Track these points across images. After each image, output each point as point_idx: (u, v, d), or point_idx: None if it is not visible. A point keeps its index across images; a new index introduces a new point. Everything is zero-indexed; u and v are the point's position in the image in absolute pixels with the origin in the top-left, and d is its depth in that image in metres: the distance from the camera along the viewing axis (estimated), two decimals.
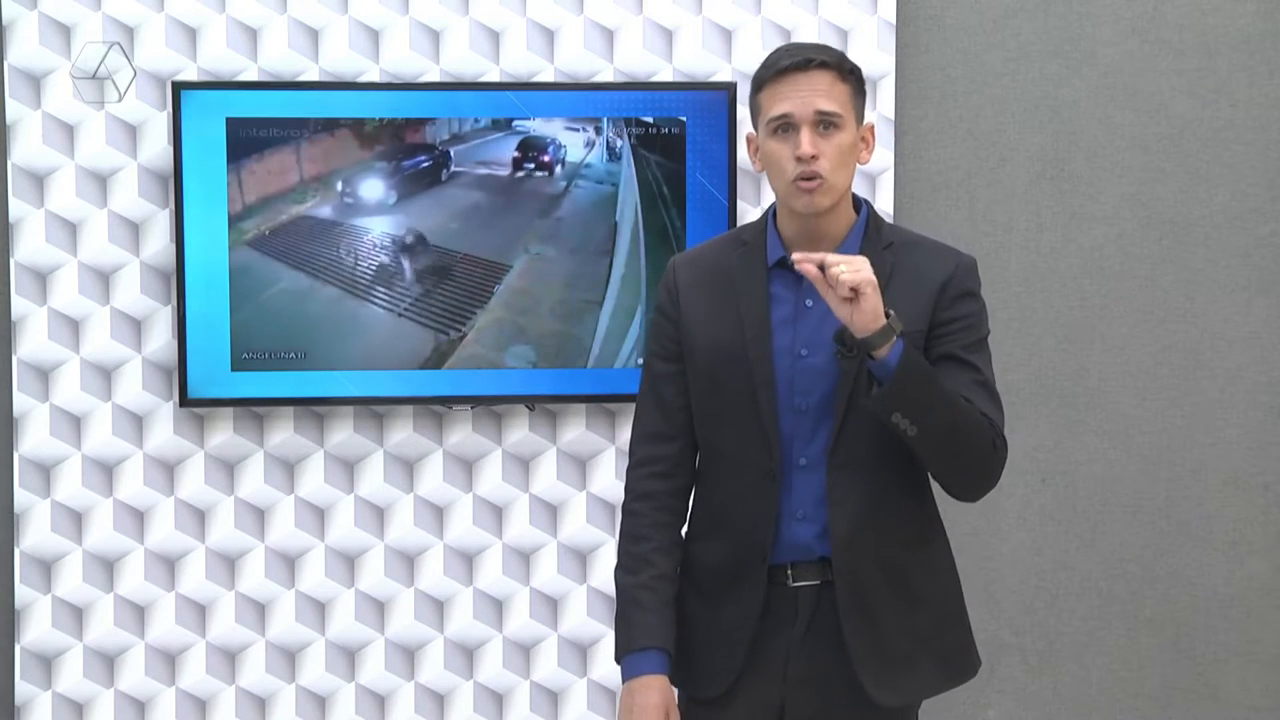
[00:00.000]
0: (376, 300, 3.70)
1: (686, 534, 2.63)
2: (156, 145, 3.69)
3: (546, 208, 3.71)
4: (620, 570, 2.58)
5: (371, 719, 3.81)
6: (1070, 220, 3.89)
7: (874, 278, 2.34)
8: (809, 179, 2.43)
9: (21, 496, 3.71)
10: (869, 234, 2.53)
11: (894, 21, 3.80)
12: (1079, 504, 3.94)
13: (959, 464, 2.49)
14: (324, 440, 3.77)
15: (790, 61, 2.44)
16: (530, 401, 3.75)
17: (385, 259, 3.69)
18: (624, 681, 2.51)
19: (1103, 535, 3.94)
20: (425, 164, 3.69)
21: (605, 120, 3.69)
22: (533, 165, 3.67)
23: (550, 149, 3.67)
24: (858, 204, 2.56)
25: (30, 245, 3.68)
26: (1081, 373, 3.91)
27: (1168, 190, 3.90)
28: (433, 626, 3.81)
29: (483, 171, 3.70)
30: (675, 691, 2.55)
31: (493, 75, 3.75)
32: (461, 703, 3.82)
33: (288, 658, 3.80)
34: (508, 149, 3.68)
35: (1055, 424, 3.91)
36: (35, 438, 3.71)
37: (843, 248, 2.50)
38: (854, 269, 2.32)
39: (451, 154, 3.68)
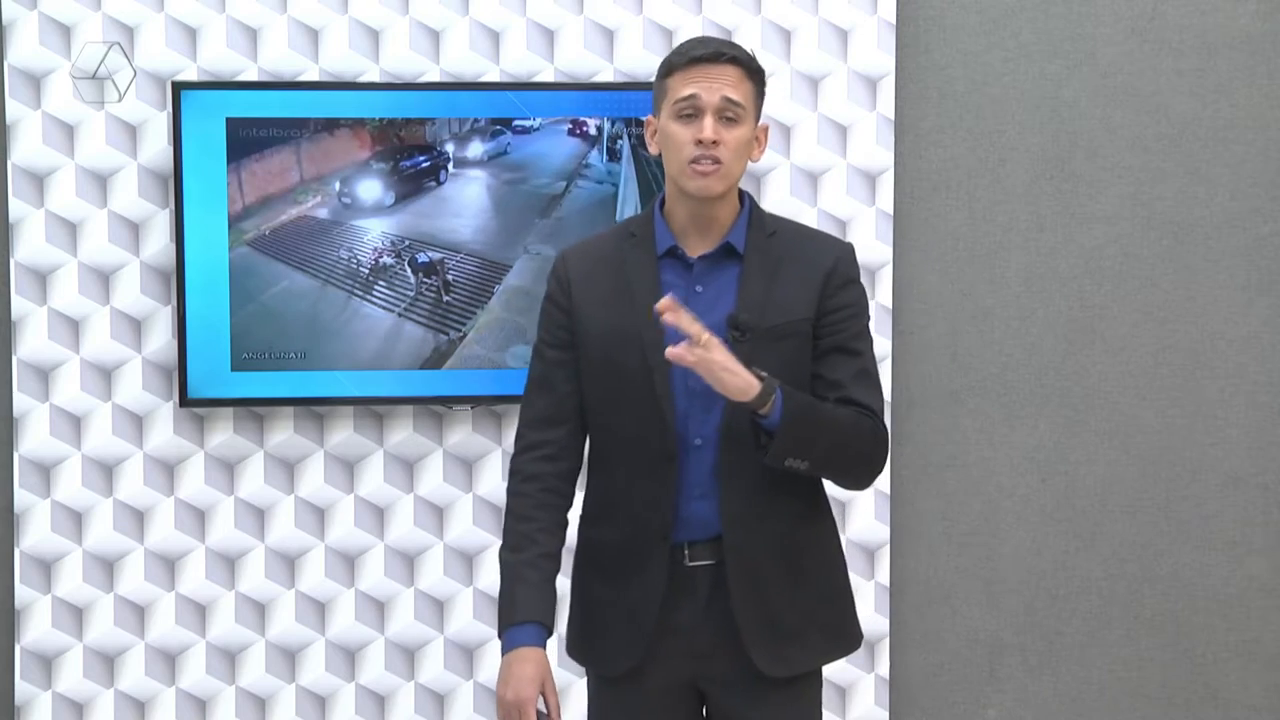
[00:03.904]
0: (376, 300, 3.70)
1: (582, 518, 2.72)
2: (156, 145, 3.69)
3: (546, 208, 3.71)
4: (505, 549, 2.65)
5: (371, 719, 3.81)
6: (1070, 220, 3.89)
7: (719, 358, 2.42)
8: (707, 162, 2.52)
9: (21, 496, 3.71)
10: (753, 223, 2.63)
11: (894, 21, 3.80)
12: (1079, 504, 3.93)
13: (845, 471, 2.63)
14: (324, 440, 3.77)
15: (704, 51, 2.55)
16: None
17: (385, 259, 3.69)
18: (503, 654, 2.58)
19: (1103, 535, 3.94)
20: (425, 164, 3.69)
21: (605, 120, 3.69)
22: (580, 134, 3.69)
23: (590, 125, 3.70)
24: (741, 196, 2.66)
25: (30, 245, 3.69)
26: (1081, 373, 3.91)
27: (1168, 190, 3.90)
28: (432, 626, 3.81)
29: (482, 171, 3.70)
30: (549, 665, 2.59)
31: (493, 75, 3.75)
32: (461, 702, 3.82)
33: (288, 658, 3.80)
34: (508, 148, 3.69)
35: (1055, 424, 3.91)
36: (35, 438, 3.71)
37: (729, 236, 2.61)
38: (697, 355, 2.42)
39: (451, 154, 3.69)
